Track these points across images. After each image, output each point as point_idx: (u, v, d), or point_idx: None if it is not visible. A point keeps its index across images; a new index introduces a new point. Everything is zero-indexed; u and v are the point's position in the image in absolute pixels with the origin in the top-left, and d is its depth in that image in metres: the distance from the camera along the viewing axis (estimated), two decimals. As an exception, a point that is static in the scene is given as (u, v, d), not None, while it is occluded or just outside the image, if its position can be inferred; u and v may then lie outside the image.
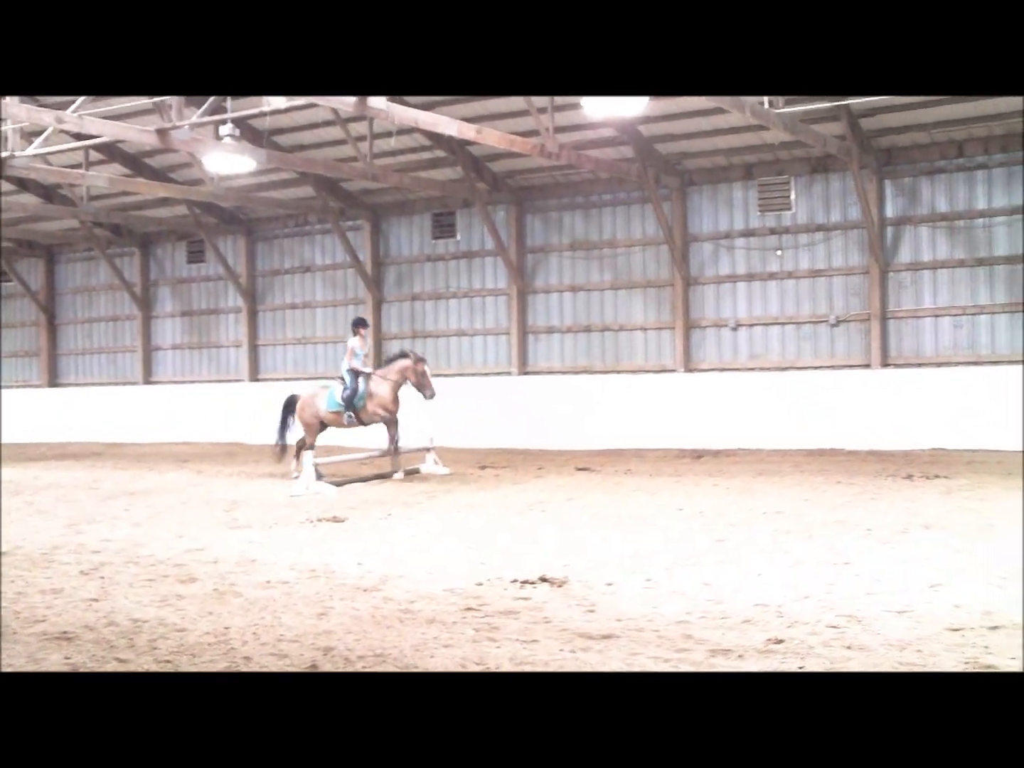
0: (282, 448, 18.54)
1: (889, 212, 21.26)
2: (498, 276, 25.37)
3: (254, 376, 29.04)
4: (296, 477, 16.85)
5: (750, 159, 22.31)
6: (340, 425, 18.05)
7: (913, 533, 10.34)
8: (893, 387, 20.48)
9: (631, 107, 15.81)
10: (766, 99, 17.31)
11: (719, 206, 22.86)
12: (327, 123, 22.10)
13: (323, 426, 18.12)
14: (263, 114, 18.46)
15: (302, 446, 17.95)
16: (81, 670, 6.27)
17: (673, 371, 23.13)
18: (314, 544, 10.79)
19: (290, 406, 18.61)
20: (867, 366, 21.21)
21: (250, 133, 22.04)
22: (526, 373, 24.81)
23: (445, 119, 17.88)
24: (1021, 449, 17.55)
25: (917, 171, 20.99)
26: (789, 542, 10.02)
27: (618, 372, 23.60)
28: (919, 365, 20.79)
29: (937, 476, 15.37)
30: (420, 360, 17.81)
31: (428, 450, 18.39)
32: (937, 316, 20.85)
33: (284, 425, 18.63)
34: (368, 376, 17.83)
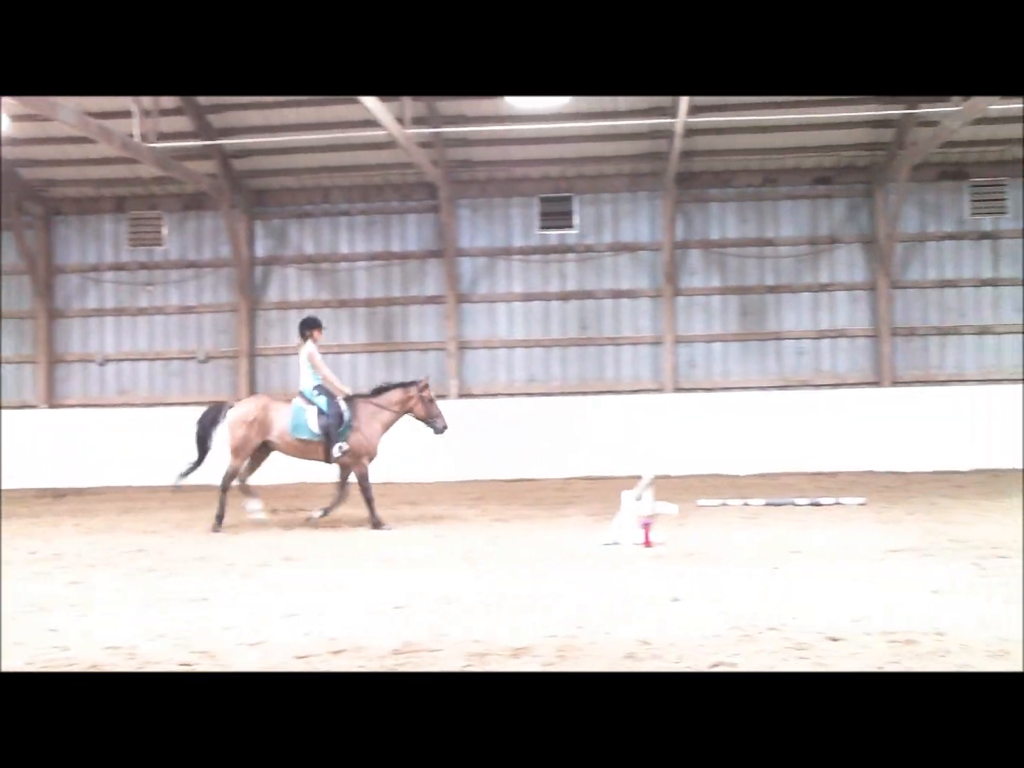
0: (177, 488, 14.06)
1: (259, 252, 21.83)
2: None
3: None
4: (257, 515, 13.59)
5: (122, 192, 21.95)
6: (301, 456, 13.57)
7: (273, 566, 10.57)
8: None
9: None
10: (137, 132, 17.16)
11: (88, 238, 22.28)
12: None
13: (266, 453, 13.66)
14: None
15: (234, 475, 13.45)
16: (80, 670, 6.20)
17: (34, 407, 22.04)
18: None
19: (214, 421, 13.60)
20: (230, 401, 21.44)
21: None
22: None
23: None
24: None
25: (286, 214, 21.78)
26: (150, 580, 9.85)
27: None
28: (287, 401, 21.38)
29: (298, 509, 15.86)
30: (425, 386, 13.65)
31: None
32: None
33: (205, 449, 13.53)
34: (356, 401, 13.53)
